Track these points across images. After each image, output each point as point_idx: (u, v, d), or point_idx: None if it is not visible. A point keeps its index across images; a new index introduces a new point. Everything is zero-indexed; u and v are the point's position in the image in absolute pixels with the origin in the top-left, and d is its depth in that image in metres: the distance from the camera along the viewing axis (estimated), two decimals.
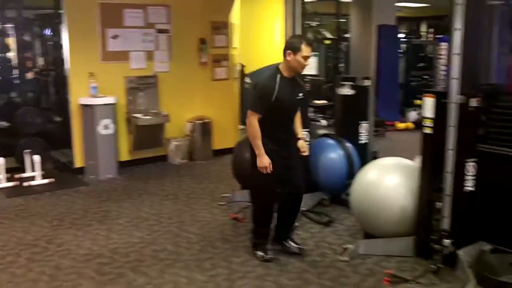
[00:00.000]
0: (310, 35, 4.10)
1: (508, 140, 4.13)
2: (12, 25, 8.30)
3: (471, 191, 4.06)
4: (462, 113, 3.92)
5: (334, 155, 5.68)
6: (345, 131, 6.01)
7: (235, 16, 8.19)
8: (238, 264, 4.28)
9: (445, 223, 4.06)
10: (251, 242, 4.49)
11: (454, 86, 3.87)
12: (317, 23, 10.53)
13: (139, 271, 4.21)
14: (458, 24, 3.81)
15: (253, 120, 4.11)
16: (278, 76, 4.15)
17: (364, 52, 7.02)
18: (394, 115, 8.96)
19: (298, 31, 5.57)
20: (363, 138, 5.97)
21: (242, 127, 8.16)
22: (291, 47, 4.13)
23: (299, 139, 4.39)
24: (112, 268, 4.27)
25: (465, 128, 3.96)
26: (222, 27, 8.09)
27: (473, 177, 4.06)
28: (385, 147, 8.12)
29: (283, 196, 4.36)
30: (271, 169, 4.11)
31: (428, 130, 4.15)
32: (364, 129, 5.98)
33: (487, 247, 4.16)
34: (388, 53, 11.05)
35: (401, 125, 11.07)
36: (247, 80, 8.33)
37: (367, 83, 5.89)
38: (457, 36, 3.82)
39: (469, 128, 4.00)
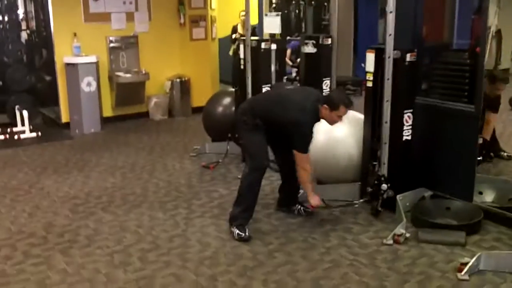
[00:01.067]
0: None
1: (447, 93, 4.57)
2: None
3: (407, 140, 4.47)
4: (397, 67, 4.29)
5: None
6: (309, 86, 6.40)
7: None
8: (198, 205, 4.75)
9: (383, 169, 4.48)
10: (230, 215, 4.26)
11: (390, 42, 4.25)
12: None
13: (108, 210, 4.70)
14: None
15: (307, 162, 4.12)
16: (318, 116, 4.13)
17: (342, 12, 7.26)
18: None
19: None
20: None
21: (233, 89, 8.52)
22: (330, 102, 4.06)
23: None
24: (85, 208, 4.77)
25: (401, 81, 4.34)
26: None
27: (409, 127, 4.46)
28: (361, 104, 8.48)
29: (281, 166, 4.59)
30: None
31: (369, 84, 4.55)
32: (326, 85, 6.35)
33: (428, 193, 4.57)
34: (367, 13, 11.40)
35: None
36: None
37: (328, 41, 6.22)
38: None
39: (405, 81, 4.37)
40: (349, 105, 4.10)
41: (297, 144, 4.07)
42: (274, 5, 12.72)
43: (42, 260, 3.78)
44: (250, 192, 4.15)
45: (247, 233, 4.05)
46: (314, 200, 4.26)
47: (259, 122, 4.13)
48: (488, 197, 4.67)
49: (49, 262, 3.76)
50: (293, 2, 13.46)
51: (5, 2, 8.55)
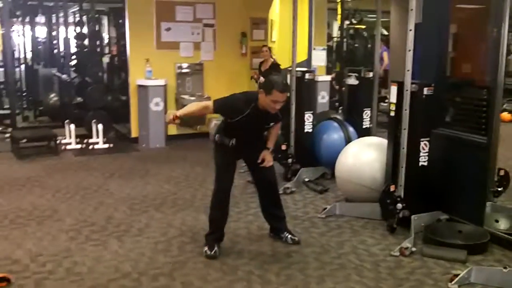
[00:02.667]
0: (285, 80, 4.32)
1: (464, 125, 5.05)
2: (86, 16, 9.77)
3: (423, 165, 4.97)
4: (415, 99, 4.82)
5: (336, 136, 6.68)
6: (350, 116, 7.02)
7: (274, 13, 9.30)
8: (236, 212, 5.42)
9: (400, 191, 4.98)
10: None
11: (408, 76, 4.81)
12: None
13: (159, 210, 5.49)
14: (411, 26, 4.75)
15: (204, 104, 4.32)
16: (253, 104, 4.15)
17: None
18: None
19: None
20: (366, 123, 6.93)
21: None
22: (264, 87, 4.12)
23: (267, 148, 4.48)
24: (140, 207, 5.58)
25: (418, 112, 4.85)
26: (261, 22, 9.33)
27: (425, 154, 4.97)
28: None
29: (257, 186, 4.70)
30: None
31: (392, 113, 5.11)
32: (367, 115, 6.93)
33: (443, 216, 5.04)
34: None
35: None
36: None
37: (370, 75, 6.82)
38: (411, 35, 4.77)
39: (422, 112, 4.88)
40: (283, 90, 4.06)
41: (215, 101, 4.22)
42: (335, 39, 13.41)
43: (100, 243, 4.59)
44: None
45: (212, 252, 4.32)
46: (169, 114, 4.27)
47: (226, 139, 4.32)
48: (503, 225, 4.99)
49: (105, 244, 4.56)
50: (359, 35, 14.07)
51: (91, 29, 9.68)
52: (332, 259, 4.38)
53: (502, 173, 5.34)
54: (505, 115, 11.38)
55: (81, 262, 4.20)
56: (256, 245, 4.64)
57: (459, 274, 3.96)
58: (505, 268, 3.96)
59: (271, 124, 4.40)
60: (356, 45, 14.13)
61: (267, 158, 4.43)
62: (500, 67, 4.68)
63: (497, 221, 5.01)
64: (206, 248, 4.39)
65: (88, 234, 4.80)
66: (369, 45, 13.60)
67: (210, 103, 4.25)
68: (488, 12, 5.37)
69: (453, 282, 3.93)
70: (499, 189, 5.33)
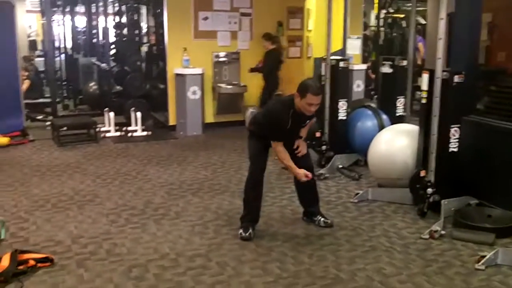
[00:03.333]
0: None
1: (496, 113, 5.11)
2: (125, 6, 10.01)
3: (453, 151, 5.04)
4: (446, 86, 4.89)
5: (370, 123, 6.76)
6: (384, 104, 7.09)
7: (311, 2, 9.38)
8: (271, 197, 5.59)
9: (430, 176, 5.08)
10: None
11: (439, 64, 4.88)
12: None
13: (196, 195, 5.69)
14: (442, 15, 4.82)
15: (279, 146, 4.42)
16: (291, 111, 4.33)
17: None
18: None
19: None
20: (400, 111, 6.99)
21: None
22: (299, 90, 4.27)
23: (300, 137, 4.69)
24: (178, 192, 5.79)
25: (449, 99, 4.92)
26: (297, 11, 9.40)
27: (456, 140, 5.04)
28: None
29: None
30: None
31: (423, 101, 5.18)
32: (400, 103, 6.99)
33: (473, 201, 5.12)
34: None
35: None
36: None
37: (404, 63, 6.88)
38: (442, 24, 4.83)
39: (452, 99, 4.95)
40: (317, 93, 4.22)
41: (268, 135, 4.47)
42: (372, 28, 13.40)
43: (139, 226, 4.81)
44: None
45: (247, 234, 4.49)
46: (300, 173, 4.45)
47: (256, 129, 4.61)
48: None
49: (144, 227, 4.78)
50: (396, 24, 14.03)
51: (130, 19, 9.93)
52: (363, 241, 4.51)
53: None
54: None
55: (121, 244, 4.42)
56: (290, 228, 4.80)
57: (486, 256, 4.06)
58: None
59: (307, 121, 4.62)
60: (394, 34, 14.10)
61: (302, 147, 4.63)
62: None
63: None
64: (241, 231, 4.55)
65: (127, 217, 5.03)
66: (406, 34, 13.54)
67: (276, 147, 4.43)
68: None
69: (480, 263, 4.03)
70: None
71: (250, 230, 4.55)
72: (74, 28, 13.39)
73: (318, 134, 6.70)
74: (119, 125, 8.85)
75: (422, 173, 5.06)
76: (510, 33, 5.81)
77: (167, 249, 4.33)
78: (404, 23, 14.06)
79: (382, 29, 12.61)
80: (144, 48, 10.69)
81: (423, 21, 11.66)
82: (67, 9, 13.32)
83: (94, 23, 12.77)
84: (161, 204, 5.39)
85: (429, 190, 5.03)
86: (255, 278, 3.86)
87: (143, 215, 5.08)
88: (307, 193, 4.88)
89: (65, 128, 8.11)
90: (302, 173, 4.44)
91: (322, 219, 4.83)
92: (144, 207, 5.30)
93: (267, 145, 4.61)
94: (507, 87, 5.23)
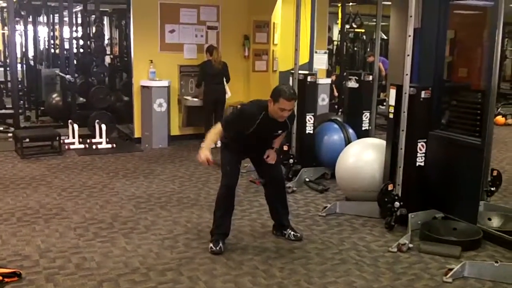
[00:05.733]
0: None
1: (460, 127, 5.25)
2: (91, 17, 9.91)
3: (420, 165, 5.15)
4: (413, 102, 5.00)
5: (336, 137, 6.85)
6: (350, 118, 7.20)
7: (277, 16, 9.46)
8: (239, 210, 5.57)
9: (398, 190, 5.17)
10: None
11: (407, 80, 4.99)
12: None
13: (165, 208, 5.65)
14: (410, 31, 4.94)
15: (218, 130, 4.43)
16: (263, 113, 4.31)
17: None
18: None
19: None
20: (366, 125, 7.10)
21: None
22: (272, 95, 4.24)
23: (272, 147, 4.66)
24: (146, 205, 5.74)
25: (416, 114, 5.03)
26: (263, 25, 9.46)
27: (423, 155, 5.15)
28: None
29: (266, 185, 4.83)
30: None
31: (391, 116, 5.29)
32: (366, 117, 7.10)
33: (439, 215, 5.23)
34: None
35: None
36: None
37: (370, 78, 7.00)
38: (410, 41, 4.95)
39: (420, 114, 5.06)
40: (289, 98, 4.17)
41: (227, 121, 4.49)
42: (335, 42, 13.62)
43: (108, 239, 4.74)
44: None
45: (217, 248, 4.47)
46: (201, 154, 4.41)
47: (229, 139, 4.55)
48: (496, 223, 5.22)
49: (113, 241, 4.71)
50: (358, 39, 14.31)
51: (93, 29, 9.82)
52: (333, 254, 4.55)
53: (495, 173, 5.52)
54: (499, 119, 11.62)
55: (90, 258, 4.35)
56: (260, 241, 4.81)
57: (453, 269, 4.15)
58: (496, 262, 4.17)
59: (279, 132, 4.55)
60: (355, 48, 14.40)
61: (272, 155, 4.62)
62: (494, 72, 4.88)
63: (489, 219, 5.25)
64: (211, 245, 4.53)
65: (95, 231, 4.95)
66: (368, 49, 13.87)
67: (218, 128, 4.44)
68: (484, 18, 5.56)
69: (447, 276, 4.11)
70: (492, 188, 5.52)
71: (220, 244, 4.53)
72: (36, 38, 13.15)
73: (285, 148, 6.74)
74: (83, 137, 8.71)
75: (390, 187, 5.14)
76: (471, 50, 5.98)
77: (138, 263, 4.28)
78: (365, 38, 14.40)
79: (345, 43, 12.83)
80: (107, 60, 10.58)
81: (384, 36, 11.92)
82: (29, 19, 13.07)
83: (57, 33, 12.56)
84: (129, 218, 5.33)
85: (397, 204, 5.12)
86: None
87: (112, 229, 5.01)
88: (278, 206, 4.88)
89: (27, 140, 7.92)
90: (204, 155, 4.38)
91: (292, 232, 4.85)
92: (112, 221, 5.23)
93: (240, 157, 4.63)
94: (467, 102, 5.38)
